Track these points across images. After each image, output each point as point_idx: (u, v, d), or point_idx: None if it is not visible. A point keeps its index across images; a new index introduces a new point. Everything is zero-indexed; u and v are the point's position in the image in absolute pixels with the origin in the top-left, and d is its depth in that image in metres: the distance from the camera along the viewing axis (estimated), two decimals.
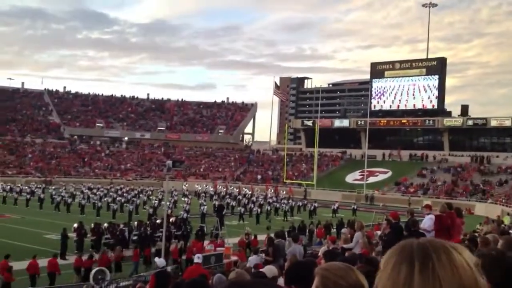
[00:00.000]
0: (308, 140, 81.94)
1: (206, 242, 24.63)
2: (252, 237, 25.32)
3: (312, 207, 44.39)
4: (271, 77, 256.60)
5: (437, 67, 76.57)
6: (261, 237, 25.76)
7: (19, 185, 52.18)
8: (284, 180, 66.60)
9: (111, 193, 46.48)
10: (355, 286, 1.81)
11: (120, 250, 21.55)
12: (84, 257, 19.92)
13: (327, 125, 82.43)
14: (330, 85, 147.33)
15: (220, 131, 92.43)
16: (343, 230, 16.48)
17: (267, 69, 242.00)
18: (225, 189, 60.69)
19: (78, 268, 19.51)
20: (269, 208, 42.42)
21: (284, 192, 58.70)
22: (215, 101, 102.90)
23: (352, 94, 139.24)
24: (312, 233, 29.86)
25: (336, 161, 78.11)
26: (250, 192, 55.47)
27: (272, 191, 60.00)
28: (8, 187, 49.91)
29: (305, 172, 73.71)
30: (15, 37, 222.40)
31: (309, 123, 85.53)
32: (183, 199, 46.55)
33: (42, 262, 19.19)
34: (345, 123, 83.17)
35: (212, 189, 60.93)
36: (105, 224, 26.67)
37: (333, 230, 30.56)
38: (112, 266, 19.87)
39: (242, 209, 40.76)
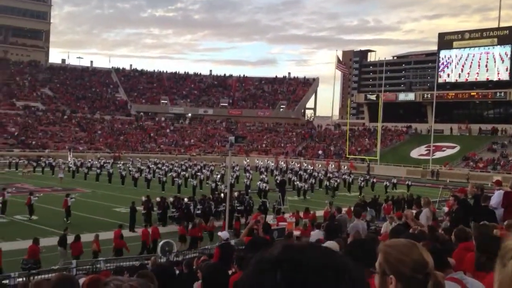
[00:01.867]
0: (372, 114, 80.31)
1: (270, 217, 24.87)
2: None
3: (362, 183, 43.55)
4: (333, 51, 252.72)
5: (509, 37, 72.33)
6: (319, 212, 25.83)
7: (90, 160, 54.60)
8: (347, 155, 65.86)
9: (175, 168, 47.73)
10: (418, 263, 1.80)
11: (213, 221, 23.21)
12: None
13: (391, 99, 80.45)
14: (395, 58, 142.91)
15: (282, 106, 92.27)
16: (405, 211, 16.03)
17: (329, 43, 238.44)
18: (285, 165, 60.75)
19: (183, 236, 20.94)
20: (328, 183, 42.13)
21: (346, 167, 58.06)
22: (276, 76, 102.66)
23: (418, 67, 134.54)
24: (380, 209, 29.25)
25: (400, 136, 76.29)
26: (311, 168, 55.29)
27: (333, 166, 59.53)
28: (80, 162, 52.31)
29: (368, 147, 72.57)
30: (84, 17, 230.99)
31: (373, 97, 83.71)
32: (244, 174, 47.06)
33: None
34: (410, 96, 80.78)
35: (273, 164, 61.23)
36: (171, 198, 27.49)
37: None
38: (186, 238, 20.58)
39: (301, 184, 40.49)
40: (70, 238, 18.19)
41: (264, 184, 37.07)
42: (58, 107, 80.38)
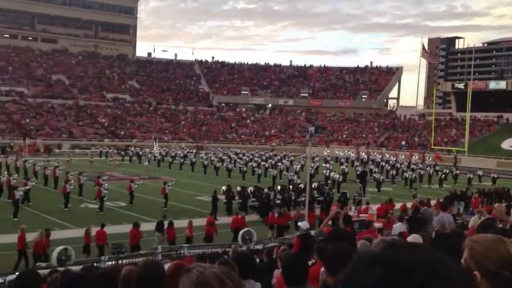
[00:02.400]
0: (459, 104, 76.70)
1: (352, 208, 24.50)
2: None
3: (443, 175, 41.72)
4: (419, 38, 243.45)
5: None
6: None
7: (174, 149, 56.54)
8: (432, 146, 63.44)
9: (256, 158, 48.26)
10: (505, 260, 1.74)
11: (299, 211, 23.73)
12: (276, 215, 22.21)
13: (480, 87, 76.33)
14: (485, 44, 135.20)
15: (363, 96, 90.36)
16: (496, 205, 15.20)
17: (414, 30, 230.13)
18: (366, 156, 59.47)
19: (271, 225, 21.76)
20: (407, 175, 40.66)
21: (430, 159, 55.86)
22: (357, 66, 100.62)
23: (511, 53, 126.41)
24: (469, 202, 27.88)
25: (490, 126, 72.32)
26: (394, 159, 53.78)
27: (417, 157, 57.53)
28: (164, 151, 54.31)
29: (455, 138, 69.47)
30: (169, 11, 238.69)
31: (461, 86, 79.83)
32: (324, 165, 46.66)
33: (199, 222, 20.65)
34: (501, 85, 76.24)
35: (354, 155, 60.21)
36: (251, 188, 27.81)
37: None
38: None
39: (377, 176, 39.17)
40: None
41: (337, 175, 36.52)
42: (145, 99, 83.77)
